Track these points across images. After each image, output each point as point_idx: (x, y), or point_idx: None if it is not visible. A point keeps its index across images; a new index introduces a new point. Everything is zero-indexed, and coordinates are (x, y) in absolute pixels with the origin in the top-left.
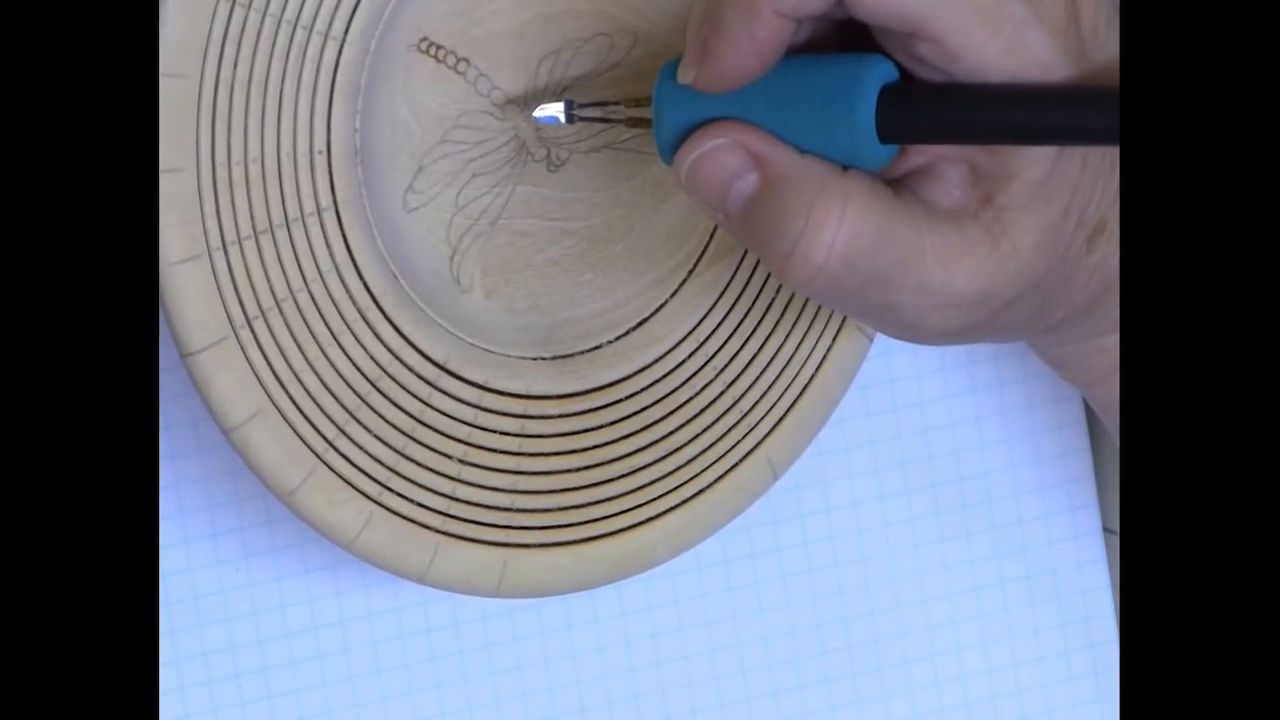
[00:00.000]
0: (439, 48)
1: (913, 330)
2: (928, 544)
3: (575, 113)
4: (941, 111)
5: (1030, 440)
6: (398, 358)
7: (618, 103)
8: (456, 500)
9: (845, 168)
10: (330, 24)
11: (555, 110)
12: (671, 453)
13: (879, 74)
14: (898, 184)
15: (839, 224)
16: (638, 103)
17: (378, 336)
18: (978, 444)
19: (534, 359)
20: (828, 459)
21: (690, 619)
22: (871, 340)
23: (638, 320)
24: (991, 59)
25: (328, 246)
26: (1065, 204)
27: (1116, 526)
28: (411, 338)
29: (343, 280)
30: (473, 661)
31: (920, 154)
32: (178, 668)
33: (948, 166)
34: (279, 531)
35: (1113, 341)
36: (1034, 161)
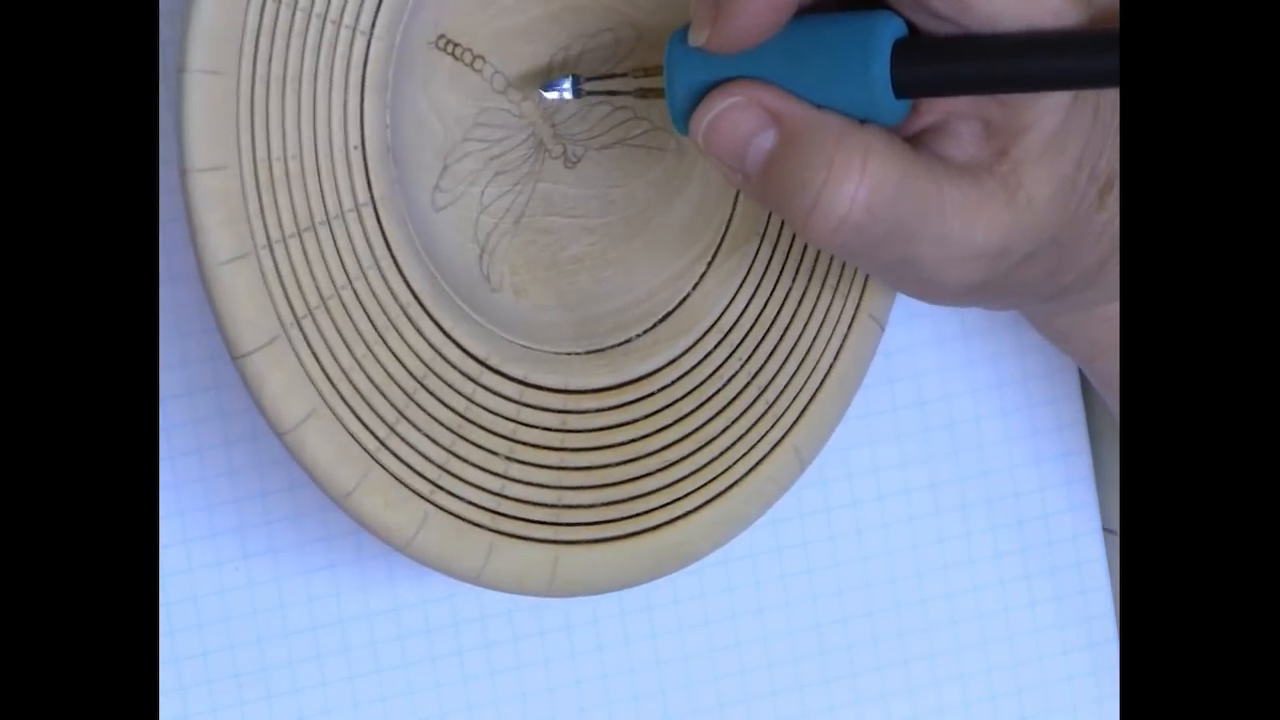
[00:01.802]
0: (455, 45)
1: (932, 286)
2: (927, 544)
3: (582, 87)
4: (957, 62)
5: (1030, 440)
6: (441, 354)
7: (625, 74)
8: (506, 498)
9: (862, 122)
10: (358, 18)
11: (562, 87)
12: (704, 445)
13: (891, 28)
14: (912, 141)
15: (861, 174)
16: (646, 72)
17: (420, 333)
18: (977, 444)
19: (568, 354)
20: (827, 459)
21: (690, 619)
22: (883, 329)
23: (664, 313)
24: (1004, 7)
25: (368, 243)
26: (1078, 156)
27: (1116, 527)
28: (453, 334)
29: (384, 276)
30: (472, 661)
31: (932, 111)
32: (177, 668)
33: (960, 123)
34: (279, 532)
35: (1117, 310)
36: (1047, 112)
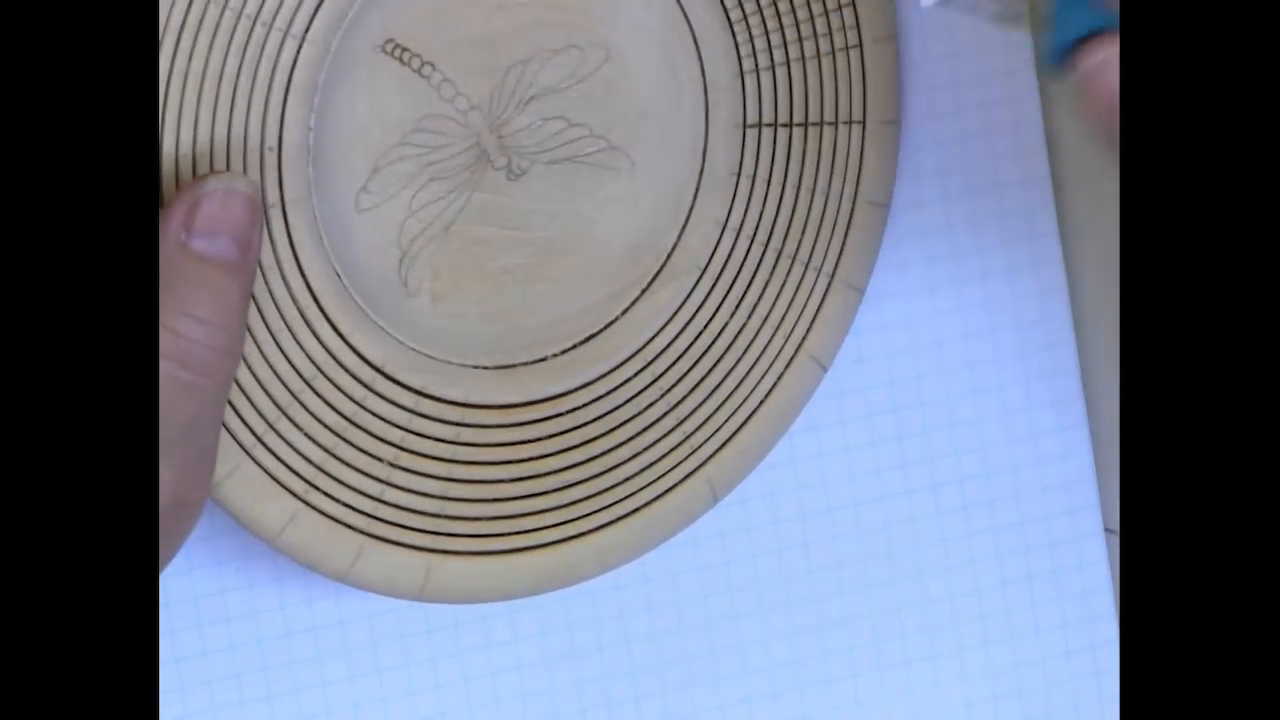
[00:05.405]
0: (404, 50)
1: None
2: (929, 545)
3: None
4: None
5: (1032, 442)
6: (334, 358)
7: None
8: (384, 503)
9: None
10: (290, 22)
11: None
12: (608, 470)
13: None
14: None
15: None
16: None
17: (315, 335)
18: (979, 445)
19: (475, 367)
20: (829, 460)
21: (691, 620)
22: (825, 369)
23: (586, 335)
24: None
25: (271, 243)
26: None
27: (1118, 527)
28: (350, 339)
29: (284, 278)
30: (473, 662)
31: None
32: (178, 667)
33: None
34: None
35: None
36: None
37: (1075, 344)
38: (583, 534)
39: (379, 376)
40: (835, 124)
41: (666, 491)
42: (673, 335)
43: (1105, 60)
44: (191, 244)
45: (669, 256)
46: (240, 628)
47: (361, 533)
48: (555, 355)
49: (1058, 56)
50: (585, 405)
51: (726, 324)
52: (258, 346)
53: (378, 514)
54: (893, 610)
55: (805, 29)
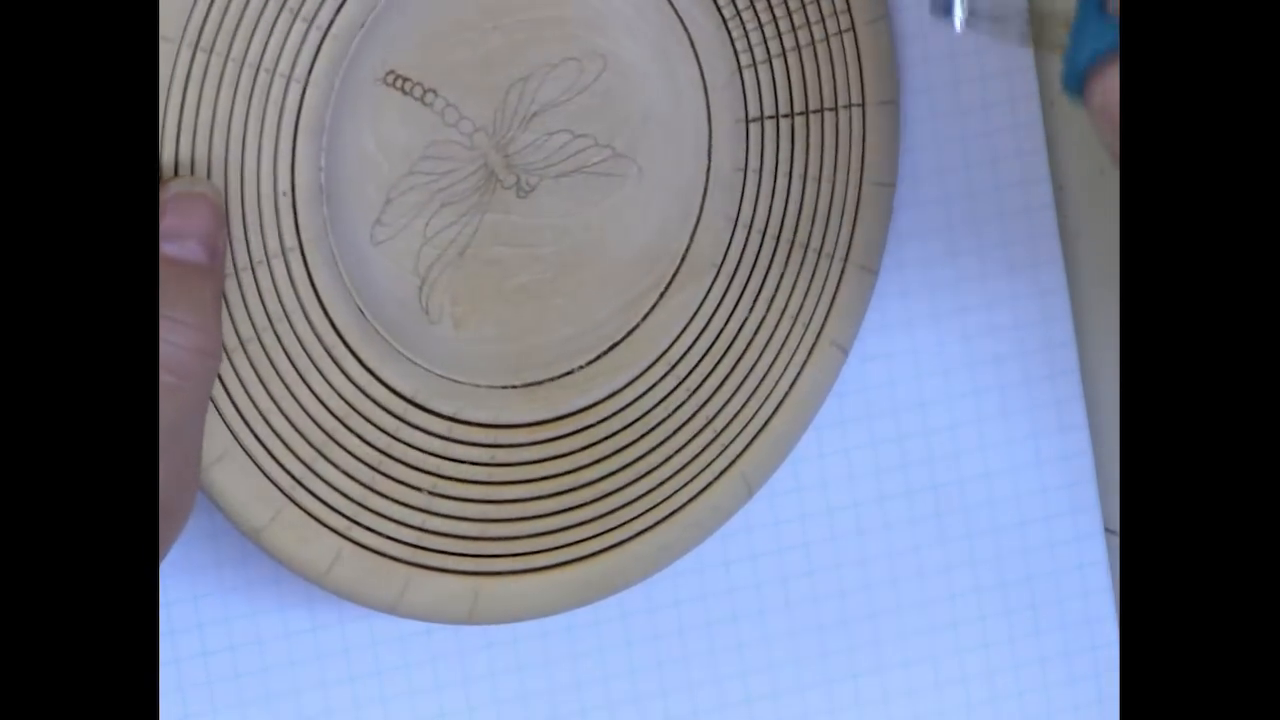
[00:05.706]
0: (405, 80)
1: None
2: (929, 546)
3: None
4: None
5: (1032, 443)
6: (365, 393)
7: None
8: (426, 531)
9: None
10: (293, 66)
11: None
12: (644, 475)
13: None
14: None
15: None
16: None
17: (344, 373)
18: (979, 446)
19: (503, 388)
20: (830, 461)
21: (691, 620)
22: (846, 355)
23: (608, 345)
24: None
25: (293, 286)
26: None
27: (1118, 527)
28: (379, 373)
29: (308, 318)
30: (473, 663)
31: None
32: (177, 668)
33: None
34: None
35: None
36: None
37: (1075, 344)
38: (624, 541)
39: (410, 407)
40: (835, 109)
41: (702, 491)
42: (694, 336)
43: (1118, 84)
44: (160, 248)
45: (683, 258)
46: (240, 628)
47: (407, 563)
48: (580, 368)
49: (1073, 81)
50: (614, 415)
51: (746, 319)
52: (288, 390)
53: (421, 543)
54: (893, 611)
55: (798, 18)
